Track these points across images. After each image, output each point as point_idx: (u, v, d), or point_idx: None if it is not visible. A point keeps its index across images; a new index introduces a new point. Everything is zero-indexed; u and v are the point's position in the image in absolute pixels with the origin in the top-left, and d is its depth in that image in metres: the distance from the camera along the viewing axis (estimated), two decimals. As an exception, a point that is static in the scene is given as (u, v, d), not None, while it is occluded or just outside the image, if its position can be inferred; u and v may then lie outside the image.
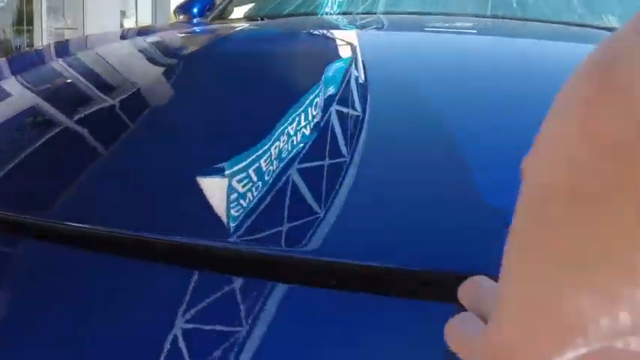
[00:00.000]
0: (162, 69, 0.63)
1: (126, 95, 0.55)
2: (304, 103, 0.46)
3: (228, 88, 0.56)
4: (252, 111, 0.48)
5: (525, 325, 0.16)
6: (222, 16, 1.30)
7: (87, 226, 0.32)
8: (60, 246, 0.31)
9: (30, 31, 5.28)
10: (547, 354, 0.15)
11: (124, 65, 0.66)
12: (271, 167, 0.37)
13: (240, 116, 0.48)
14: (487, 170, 0.36)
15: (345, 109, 0.47)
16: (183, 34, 0.88)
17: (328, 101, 0.48)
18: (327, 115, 0.46)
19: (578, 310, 0.14)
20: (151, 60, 0.69)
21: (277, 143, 0.40)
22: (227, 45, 0.76)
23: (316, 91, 0.49)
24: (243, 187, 0.35)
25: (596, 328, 0.14)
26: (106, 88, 0.57)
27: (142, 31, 0.93)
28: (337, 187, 0.34)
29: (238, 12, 1.38)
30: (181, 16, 1.49)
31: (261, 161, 0.37)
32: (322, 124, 0.44)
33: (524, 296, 0.16)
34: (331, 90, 0.52)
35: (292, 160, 0.38)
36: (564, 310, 0.14)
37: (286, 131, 0.41)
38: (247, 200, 0.34)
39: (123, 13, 6.00)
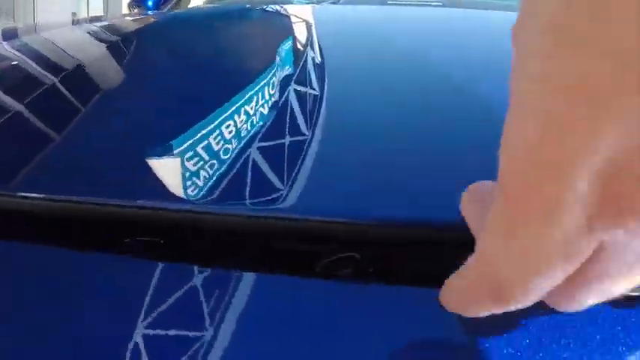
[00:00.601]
0: (109, 48, 0.61)
1: (73, 74, 0.53)
2: (259, 81, 0.45)
3: (179, 66, 0.55)
4: (202, 90, 0.47)
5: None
6: (180, 6, 1.28)
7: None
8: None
9: (-22, 32, 5.11)
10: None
11: (71, 45, 0.64)
12: (225, 145, 0.36)
13: (188, 96, 0.46)
14: (453, 148, 0.36)
15: (302, 88, 0.47)
16: (133, 18, 0.86)
17: (285, 80, 0.48)
18: (284, 92, 0.45)
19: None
20: (99, 39, 0.67)
21: (229, 122, 0.38)
22: (178, 23, 0.75)
23: (272, 70, 0.48)
24: (194, 165, 0.34)
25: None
26: (53, 67, 0.55)
27: (93, 19, 0.90)
28: (296, 164, 0.33)
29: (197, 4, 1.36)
30: (135, 10, 1.46)
31: (210, 139, 0.36)
32: (278, 102, 0.43)
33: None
34: (288, 68, 0.51)
35: (247, 137, 0.37)
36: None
37: (240, 109, 0.40)
38: (202, 179, 0.33)
39: (74, 14, 5.86)
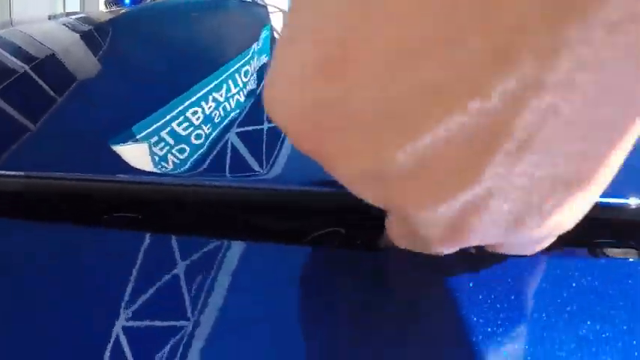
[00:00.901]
0: (80, 36, 0.61)
1: (45, 61, 0.52)
2: (227, 69, 0.45)
3: (152, 54, 0.54)
4: (171, 78, 0.47)
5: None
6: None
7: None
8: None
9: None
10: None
11: (42, 34, 0.63)
12: (196, 130, 0.36)
13: (158, 83, 0.46)
14: None
15: None
16: (109, 10, 0.85)
17: (262, 69, 0.48)
18: (261, 80, 0.45)
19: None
20: (72, 29, 0.67)
21: (195, 108, 0.39)
22: (153, 12, 0.74)
23: (243, 58, 0.48)
24: (161, 149, 0.34)
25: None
26: (22, 55, 0.54)
27: (70, 14, 0.90)
28: (275, 148, 0.33)
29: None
30: (113, 8, 1.45)
31: (174, 124, 0.36)
32: (255, 90, 0.43)
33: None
34: (265, 57, 0.51)
35: (221, 122, 0.37)
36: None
37: (208, 96, 0.40)
38: (171, 162, 0.33)
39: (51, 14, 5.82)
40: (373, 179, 0.15)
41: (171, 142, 0.34)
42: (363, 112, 0.13)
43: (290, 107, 0.15)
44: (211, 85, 0.42)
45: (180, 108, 0.38)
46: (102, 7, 1.74)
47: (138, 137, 0.35)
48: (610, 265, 0.23)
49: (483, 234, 0.16)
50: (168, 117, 0.37)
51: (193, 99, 0.39)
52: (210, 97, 0.40)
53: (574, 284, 0.22)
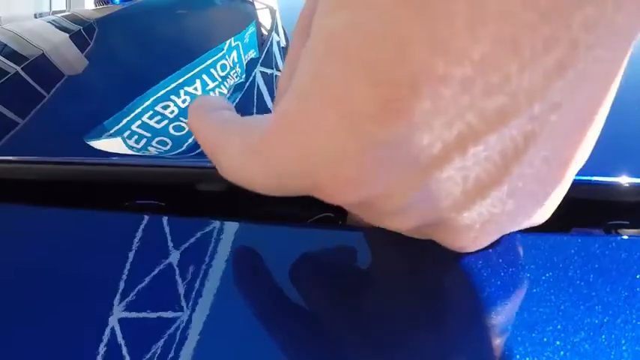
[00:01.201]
0: (65, 34, 0.61)
1: (32, 59, 0.52)
2: (198, 64, 0.46)
3: (135, 52, 0.55)
4: (146, 74, 0.48)
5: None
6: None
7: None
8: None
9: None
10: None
11: (30, 33, 0.64)
12: (172, 123, 0.37)
13: (134, 79, 0.47)
14: None
15: (268, 70, 0.47)
16: (95, 9, 0.85)
17: (250, 65, 0.48)
18: (243, 75, 0.46)
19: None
20: (60, 27, 0.67)
21: (165, 102, 0.40)
22: (139, 9, 0.75)
23: (217, 53, 0.48)
24: (137, 142, 0.35)
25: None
26: (12, 55, 0.54)
27: (57, 12, 0.89)
28: None
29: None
30: (103, 6, 1.44)
31: (145, 117, 0.37)
32: (238, 83, 0.44)
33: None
34: (252, 52, 0.51)
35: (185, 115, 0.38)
36: None
37: (179, 90, 0.41)
38: (149, 154, 0.34)
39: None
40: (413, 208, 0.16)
41: (147, 134, 0.35)
42: (428, 146, 0.14)
43: (334, 154, 0.14)
44: (180, 80, 0.43)
45: (149, 102, 0.39)
46: (87, 5, 1.72)
47: (111, 132, 0.36)
48: (627, 243, 0.23)
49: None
50: (136, 111, 0.38)
51: (161, 93, 0.41)
52: (182, 92, 0.41)
53: (592, 262, 0.22)
